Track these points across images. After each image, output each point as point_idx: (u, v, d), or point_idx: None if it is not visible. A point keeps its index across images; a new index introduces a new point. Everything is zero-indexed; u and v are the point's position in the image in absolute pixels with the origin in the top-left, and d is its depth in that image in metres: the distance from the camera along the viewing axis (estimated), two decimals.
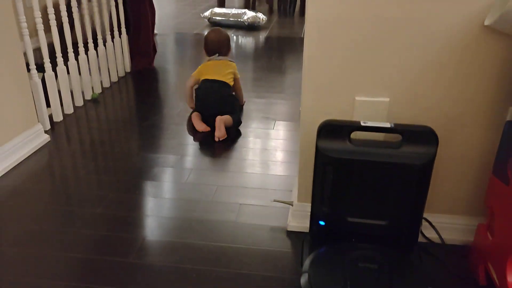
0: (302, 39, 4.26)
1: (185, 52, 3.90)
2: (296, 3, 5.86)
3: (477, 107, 1.25)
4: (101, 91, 2.78)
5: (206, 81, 2.35)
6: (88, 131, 2.29)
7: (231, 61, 2.48)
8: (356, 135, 1.23)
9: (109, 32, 2.87)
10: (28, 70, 2.06)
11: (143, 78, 3.12)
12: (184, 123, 2.37)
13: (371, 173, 1.22)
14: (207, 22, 4.91)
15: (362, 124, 1.21)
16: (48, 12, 2.23)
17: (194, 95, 2.43)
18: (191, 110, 2.45)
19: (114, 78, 2.96)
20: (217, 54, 2.47)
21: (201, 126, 2.26)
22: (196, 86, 2.41)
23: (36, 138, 2.04)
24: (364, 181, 1.23)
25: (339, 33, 1.23)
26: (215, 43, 2.49)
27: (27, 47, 2.06)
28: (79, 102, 2.55)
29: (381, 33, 1.20)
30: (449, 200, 1.39)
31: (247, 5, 5.69)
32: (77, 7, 2.52)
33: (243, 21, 4.68)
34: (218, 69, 2.38)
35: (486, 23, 1.13)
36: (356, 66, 1.25)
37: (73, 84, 2.48)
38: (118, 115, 2.50)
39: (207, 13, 4.87)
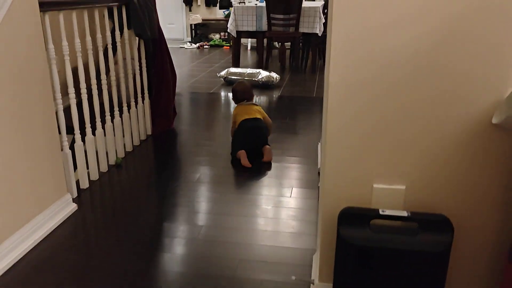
0: (314, 99, 4.41)
1: (202, 112, 4.05)
2: (307, 61, 6.08)
3: (492, 197, 1.32)
4: (124, 155, 2.90)
5: (245, 120, 2.91)
6: (111, 199, 2.39)
7: (255, 104, 3.11)
8: (375, 220, 1.31)
9: (133, 99, 3.02)
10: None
11: (163, 141, 3.25)
12: (201, 190, 2.46)
13: (391, 259, 1.28)
14: (223, 81, 5.11)
15: (381, 212, 1.29)
16: (80, 80, 2.39)
17: (233, 134, 3.01)
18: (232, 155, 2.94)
19: (136, 142, 3.09)
20: (245, 100, 3.08)
21: (247, 163, 2.77)
22: (235, 129, 2.96)
23: (64, 208, 2.14)
24: (384, 266, 1.29)
25: (359, 119, 1.32)
26: (242, 92, 3.11)
27: (60, 121, 2.19)
28: (104, 168, 2.67)
29: (397, 117, 1.29)
30: (465, 286, 1.44)
31: (260, 64, 5.92)
32: (105, 74, 2.68)
33: (257, 80, 4.86)
34: (249, 111, 2.98)
35: (494, 121, 1.22)
36: (374, 152, 1.34)
37: (99, 151, 2.61)
38: (140, 182, 2.60)
39: (223, 73, 5.07)
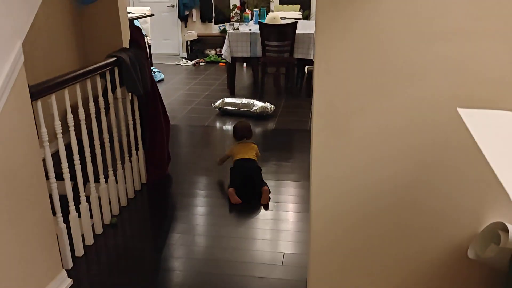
0: (309, 131, 4.45)
1: (198, 151, 4.09)
2: (302, 84, 6.11)
3: None
4: (118, 212, 2.94)
5: (240, 160, 3.19)
6: (108, 268, 2.43)
7: (253, 143, 3.41)
8: None
9: (127, 154, 3.06)
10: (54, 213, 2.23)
11: (158, 190, 3.29)
12: (200, 244, 2.51)
13: None
14: (218, 111, 5.14)
15: None
16: (74, 152, 2.43)
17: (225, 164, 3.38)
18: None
19: (131, 194, 3.13)
20: (244, 139, 3.37)
21: (236, 200, 3.00)
22: (231, 166, 3.25)
23: (60, 286, 2.19)
24: None
25: (340, 243, 1.36)
26: (242, 130, 3.40)
27: (54, 199, 2.23)
28: (99, 230, 2.71)
29: (378, 244, 1.34)
30: None
31: (256, 87, 5.96)
32: (99, 138, 2.72)
33: (252, 112, 4.90)
34: (246, 150, 3.28)
35: (469, 256, 1.26)
36: (357, 274, 1.39)
37: (94, 214, 2.65)
38: (135, 244, 2.64)
39: (218, 103, 5.10)
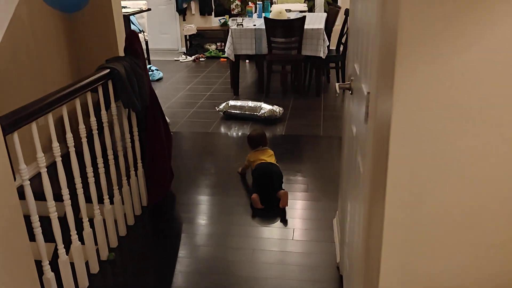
0: (322, 139, 4.09)
1: (202, 163, 3.73)
2: (310, 83, 5.73)
3: None
4: (117, 243, 2.60)
5: (262, 163, 3.14)
6: None
7: (270, 150, 3.35)
8: None
9: (125, 177, 2.71)
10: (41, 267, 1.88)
11: (160, 215, 2.94)
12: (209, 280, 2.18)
13: None
14: (222, 115, 4.77)
15: None
16: (62, 186, 2.08)
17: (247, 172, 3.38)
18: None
19: (131, 221, 2.78)
20: (260, 146, 3.31)
21: (259, 206, 2.95)
22: (251, 168, 3.22)
23: None
24: None
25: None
26: (258, 138, 3.35)
27: (40, 245, 1.89)
28: (95, 268, 2.36)
29: None
30: None
31: (260, 87, 5.59)
32: (91, 164, 2.37)
33: (259, 115, 4.54)
34: (265, 155, 3.24)
35: None
36: None
37: (88, 252, 2.31)
38: (137, 283, 2.30)
39: (222, 106, 4.73)
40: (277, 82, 6.06)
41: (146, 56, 7.04)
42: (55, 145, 1.98)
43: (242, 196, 3.13)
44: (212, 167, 3.60)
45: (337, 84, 1.89)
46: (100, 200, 2.45)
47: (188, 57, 7.89)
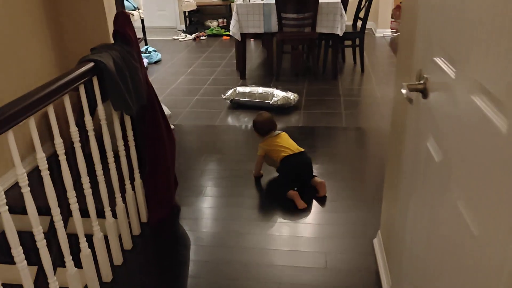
0: (346, 130, 3.58)
1: (211, 164, 3.22)
2: (326, 64, 5.16)
3: None
4: (111, 275, 2.12)
5: (290, 156, 2.71)
6: None
7: (282, 131, 2.92)
8: None
9: (119, 193, 2.21)
10: None
11: (163, 234, 2.45)
12: None
13: None
14: (229, 103, 4.24)
15: None
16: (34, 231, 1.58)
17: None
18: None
19: (128, 245, 2.30)
20: (272, 131, 2.87)
21: (302, 204, 2.59)
22: (278, 167, 2.80)
23: None
24: None
25: None
26: (267, 123, 2.88)
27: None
28: None
29: None
30: None
31: (269, 71, 5.04)
32: (74, 184, 1.87)
33: (272, 104, 4.01)
34: (284, 141, 2.80)
35: None
36: None
37: None
38: None
39: (229, 93, 4.19)
40: (288, 64, 5.50)
41: (142, 36, 6.46)
42: (20, 171, 1.47)
43: (258, 206, 2.64)
44: (222, 169, 3.09)
45: (404, 84, 1.37)
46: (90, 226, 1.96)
47: (187, 35, 7.29)
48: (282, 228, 2.43)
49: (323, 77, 4.96)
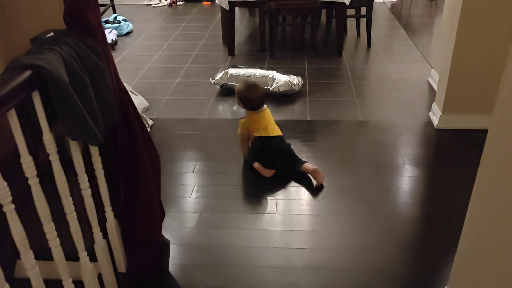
0: (366, 126, 2.94)
1: (202, 177, 2.55)
2: (328, 37, 4.44)
3: None
4: None
5: (262, 138, 2.47)
6: None
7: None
8: None
9: (83, 252, 1.53)
10: None
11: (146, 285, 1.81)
12: None
13: None
14: (219, 89, 3.52)
15: None
16: None
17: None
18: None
19: None
20: (263, 107, 2.56)
21: (269, 173, 2.44)
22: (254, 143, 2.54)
23: None
24: None
25: None
26: (261, 100, 2.54)
27: None
28: None
29: None
30: None
31: (262, 46, 4.30)
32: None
33: (272, 91, 3.32)
34: (265, 120, 2.51)
35: None
36: None
37: None
38: None
39: (219, 77, 3.46)
40: (282, 37, 4.77)
41: (109, 2, 5.57)
42: None
43: (278, 254, 2.01)
44: (218, 186, 2.43)
45: None
46: None
47: (162, 0, 6.39)
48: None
49: (325, 54, 4.26)
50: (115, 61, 1.56)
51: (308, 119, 3.07)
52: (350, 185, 2.37)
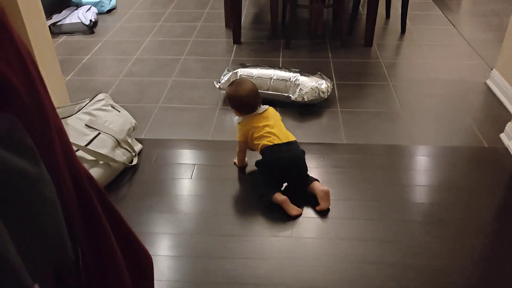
0: (416, 151, 2.23)
1: (208, 227, 1.86)
2: (354, 24, 3.66)
3: None
4: None
5: (275, 147, 1.92)
6: None
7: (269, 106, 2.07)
8: None
9: None
10: None
11: None
12: None
13: None
14: (224, 94, 2.77)
15: None
16: None
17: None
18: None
19: None
20: (257, 108, 2.03)
21: (296, 210, 1.88)
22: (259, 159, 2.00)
23: None
24: None
25: None
26: (253, 98, 2.02)
27: None
28: None
29: None
30: None
31: (274, 34, 3.53)
32: None
33: (294, 100, 2.58)
34: (271, 123, 1.98)
35: None
36: None
37: None
38: None
39: (225, 79, 2.70)
40: (303, 24, 3.98)
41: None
42: None
43: None
44: (233, 248, 1.73)
45: None
46: None
47: None
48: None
49: (351, 43, 3.50)
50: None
51: (344, 142, 2.35)
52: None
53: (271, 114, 2.04)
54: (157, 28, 3.83)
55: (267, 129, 1.96)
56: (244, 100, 2.01)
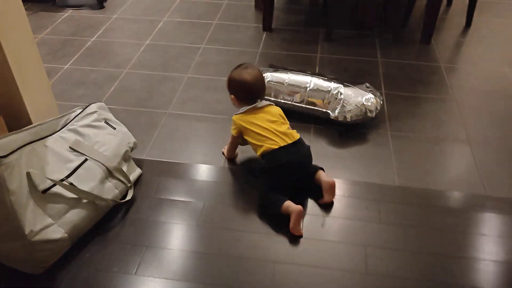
0: (487, 204, 1.72)
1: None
2: (409, 16, 3.04)
3: None
4: None
5: (281, 149, 1.67)
6: None
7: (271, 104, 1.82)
8: None
9: None
10: None
11: None
12: None
13: None
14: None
15: None
16: None
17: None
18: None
19: None
20: (258, 99, 1.80)
21: (298, 231, 1.59)
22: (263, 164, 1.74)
23: None
24: None
25: None
26: (257, 85, 1.78)
27: None
28: None
29: None
30: None
31: (313, 15, 2.96)
32: None
33: (335, 118, 2.07)
34: (273, 121, 1.73)
35: None
36: None
37: None
38: None
39: None
40: (344, 14, 3.38)
41: None
42: None
43: None
44: None
45: None
46: None
47: None
48: None
49: (405, 38, 2.91)
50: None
51: (396, 183, 1.85)
52: None
53: (273, 110, 1.79)
54: (176, 4, 3.30)
55: (264, 130, 1.70)
56: (248, 86, 1.76)
